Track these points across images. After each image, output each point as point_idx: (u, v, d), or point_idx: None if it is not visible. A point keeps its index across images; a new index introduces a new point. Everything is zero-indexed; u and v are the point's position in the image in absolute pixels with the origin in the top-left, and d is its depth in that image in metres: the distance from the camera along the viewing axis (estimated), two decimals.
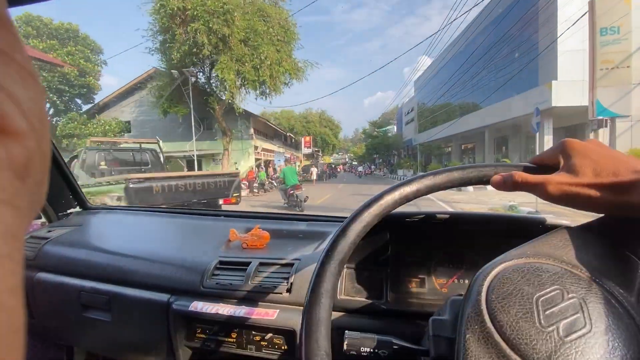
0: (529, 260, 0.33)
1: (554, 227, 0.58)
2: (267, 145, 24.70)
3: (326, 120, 52.72)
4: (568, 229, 0.35)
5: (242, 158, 19.55)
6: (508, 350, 0.28)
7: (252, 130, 20.08)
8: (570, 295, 0.30)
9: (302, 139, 38.50)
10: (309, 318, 0.34)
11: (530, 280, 0.31)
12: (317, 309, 0.35)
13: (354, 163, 57.74)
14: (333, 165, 36.37)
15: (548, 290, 0.30)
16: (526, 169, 0.38)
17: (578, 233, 0.35)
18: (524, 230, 0.64)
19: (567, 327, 0.28)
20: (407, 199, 0.40)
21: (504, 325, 0.29)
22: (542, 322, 0.29)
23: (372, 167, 44.01)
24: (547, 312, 0.29)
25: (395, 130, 40.88)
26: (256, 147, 20.75)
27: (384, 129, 42.52)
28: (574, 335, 0.28)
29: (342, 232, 0.38)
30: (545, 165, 0.37)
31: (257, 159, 20.93)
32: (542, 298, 0.30)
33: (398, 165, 31.41)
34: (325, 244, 0.87)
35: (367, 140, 43.12)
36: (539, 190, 0.35)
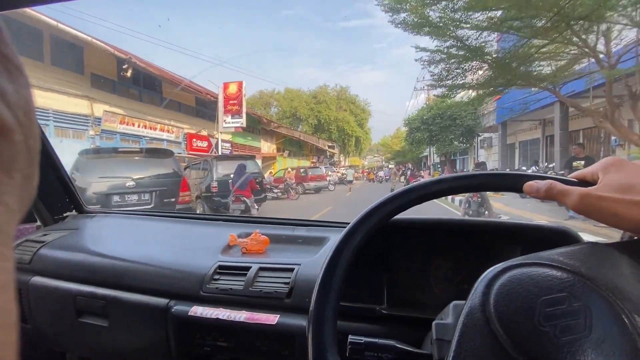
0: (543, 265, 0.33)
1: (565, 238, 0.58)
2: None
3: (346, 102, 33.52)
4: (594, 244, 0.35)
5: None
6: (505, 337, 0.29)
7: None
8: (576, 303, 0.30)
9: (221, 93, 14.23)
10: (319, 305, 0.35)
11: (538, 282, 0.32)
12: (327, 295, 0.36)
13: (390, 165, 36.37)
14: (324, 172, 16.99)
15: (555, 294, 0.31)
16: (567, 183, 0.37)
17: (604, 249, 0.34)
18: (527, 238, 0.65)
19: (565, 329, 0.29)
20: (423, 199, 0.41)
21: (502, 317, 0.30)
22: (541, 320, 0.29)
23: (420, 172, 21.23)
24: (548, 312, 0.30)
25: None
26: None
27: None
28: (569, 337, 0.28)
29: (353, 230, 0.39)
30: (585, 181, 0.37)
31: None
32: (547, 299, 0.30)
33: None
34: (325, 248, 0.88)
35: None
36: (565, 199, 0.35)
